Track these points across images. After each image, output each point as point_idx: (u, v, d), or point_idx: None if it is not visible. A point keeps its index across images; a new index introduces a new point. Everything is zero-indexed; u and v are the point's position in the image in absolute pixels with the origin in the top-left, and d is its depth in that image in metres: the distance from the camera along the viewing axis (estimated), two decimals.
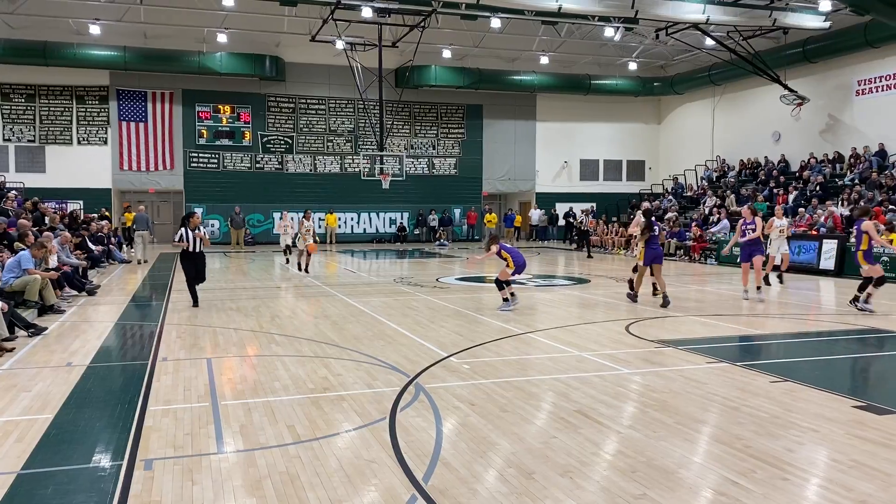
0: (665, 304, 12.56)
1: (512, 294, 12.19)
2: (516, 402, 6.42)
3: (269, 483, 4.55)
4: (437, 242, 33.49)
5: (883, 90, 25.78)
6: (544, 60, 32.79)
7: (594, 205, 35.13)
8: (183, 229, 12.59)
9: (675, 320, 11.33)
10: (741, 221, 13.91)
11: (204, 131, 32.32)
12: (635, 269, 13.80)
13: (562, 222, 35.98)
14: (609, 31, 27.91)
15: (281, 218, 23.80)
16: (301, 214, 20.95)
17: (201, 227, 13.52)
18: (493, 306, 13.05)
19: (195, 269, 12.79)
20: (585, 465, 4.87)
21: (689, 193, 32.51)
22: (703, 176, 33.48)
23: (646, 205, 21.84)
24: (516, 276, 12.62)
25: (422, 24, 26.90)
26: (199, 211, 32.02)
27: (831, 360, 8.77)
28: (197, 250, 12.73)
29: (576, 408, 6.26)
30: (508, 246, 12.57)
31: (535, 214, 36.19)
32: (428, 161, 35.33)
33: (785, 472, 4.76)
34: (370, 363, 8.03)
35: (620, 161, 38.05)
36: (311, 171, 33.81)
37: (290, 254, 22.41)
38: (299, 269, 19.08)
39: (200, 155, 32.38)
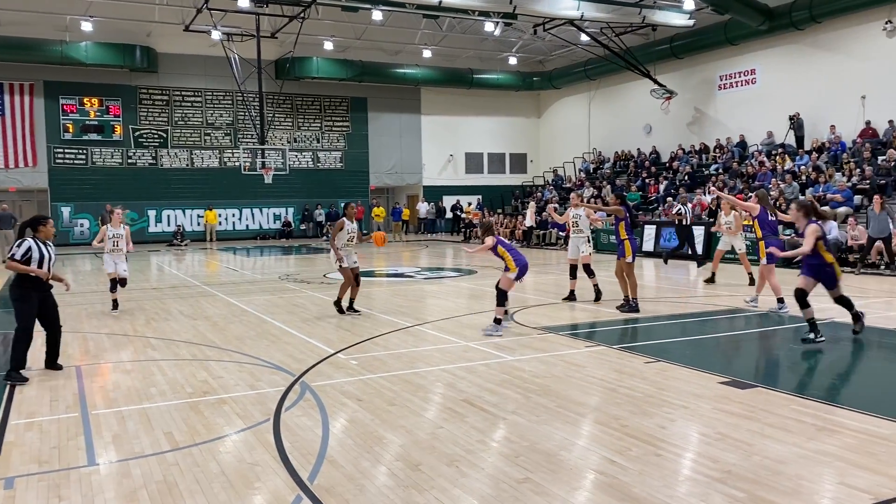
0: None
1: (506, 312, 9.64)
2: (404, 395, 6.43)
3: (146, 493, 4.34)
4: (325, 237, 33.05)
5: (742, 85, 27.58)
6: (427, 54, 32.95)
7: (480, 197, 35.75)
8: (30, 243, 7.33)
9: (558, 307, 11.70)
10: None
11: (70, 125, 30.37)
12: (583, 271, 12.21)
13: (449, 215, 36.37)
14: (489, 26, 28.36)
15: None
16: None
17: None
18: (381, 299, 13.02)
19: (46, 313, 7.50)
20: (471, 452, 4.94)
21: (568, 185, 33.61)
22: (580, 168, 34.71)
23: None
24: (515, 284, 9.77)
25: (301, 14, 26.37)
26: (66, 210, 30.19)
27: (700, 339, 9.30)
28: (50, 279, 7.52)
29: (462, 397, 6.34)
30: (507, 242, 9.89)
31: (423, 207, 36.40)
32: (312, 155, 34.77)
33: (658, 448, 5.01)
34: (253, 364, 7.81)
35: (504, 154, 38.86)
36: (187, 166, 32.50)
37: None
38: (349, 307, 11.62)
39: (66, 151, 30.44)
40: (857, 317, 8.62)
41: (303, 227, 34.46)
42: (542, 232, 27.43)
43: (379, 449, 5.08)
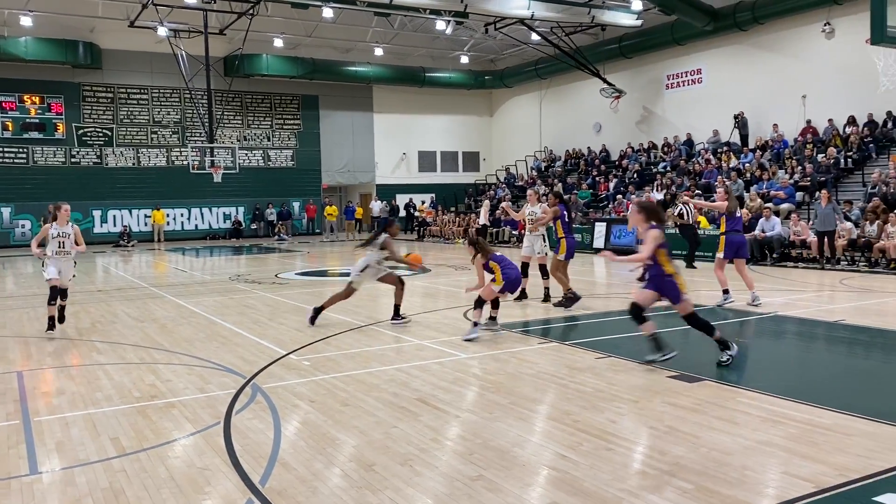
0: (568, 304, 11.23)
1: (492, 318, 9.17)
2: (357, 396, 6.39)
3: (91, 501, 4.23)
4: (276, 237, 32.65)
5: (688, 84, 28.17)
6: (379, 52, 32.81)
7: (433, 195, 35.79)
8: None
9: (512, 304, 11.76)
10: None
11: (9, 123, 29.39)
12: (545, 272, 11.87)
13: (403, 213, 36.30)
14: (441, 25, 28.39)
15: None
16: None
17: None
18: None
19: None
20: (425, 451, 4.94)
21: (520, 183, 33.86)
22: (532, 166, 35.00)
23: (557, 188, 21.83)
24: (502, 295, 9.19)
25: (250, 11, 26.00)
26: (6, 210, 29.26)
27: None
28: None
29: (416, 396, 6.34)
30: (499, 255, 9.11)
31: (376, 206, 36.23)
32: (263, 153, 34.33)
33: (609, 442, 5.08)
34: (203, 366, 7.67)
35: (457, 152, 38.97)
36: (133, 164, 31.76)
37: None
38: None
39: (6, 149, 29.45)
40: (724, 344, 7.26)
41: (254, 226, 33.99)
42: (495, 230, 27.57)
43: (332, 450, 5.04)
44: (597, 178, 29.09)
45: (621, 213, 23.56)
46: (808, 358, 8.43)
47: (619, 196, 25.40)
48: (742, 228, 11.51)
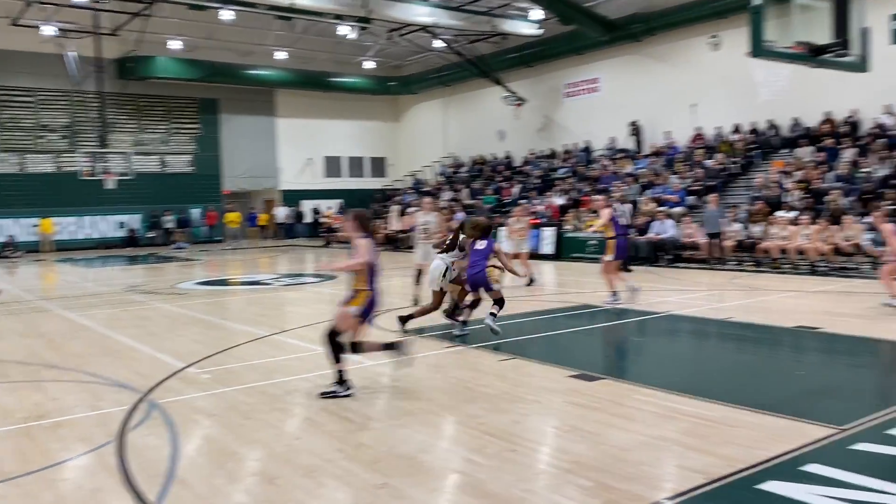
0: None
1: (464, 323, 9.33)
2: (260, 408, 6.25)
3: None
4: (175, 245, 31.50)
5: (586, 93, 29.09)
6: (281, 56, 32.24)
7: (341, 201, 35.47)
8: None
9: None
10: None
11: None
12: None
13: (309, 219, 35.81)
14: (344, 29, 28.21)
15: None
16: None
17: None
18: (237, 308, 12.62)
19: None
20: (329, 462, 4.88)
21: (427, 189, 34.02)
22: (439, 172, 35.26)
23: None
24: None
25: (144, 11, 25.05)
26: None
27: (552, 335, 9.70)
28: None
29: (321, 406, 6.25)
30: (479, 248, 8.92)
31: (281, 212, 35.58)
32: (160, 158, 33.07)
33: (513, 443, 5.17)
34: (95, 383, 7.31)
35: (363, 158, 38.76)
36: (18, 171, 29.91)
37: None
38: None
39: None
40: (392, 346, 6.87)
41: (150, 234, 32.66)
42: (405, 235, 27.54)
43: (233, 465, 4.90)
44: (501, 184, 29.59)
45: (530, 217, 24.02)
46: (699, 354, 8.85)
47: (523, 201, 25.92)
48: (626, 233, 12.10)
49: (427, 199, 12.95)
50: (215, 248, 29.97)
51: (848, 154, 19.35)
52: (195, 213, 33.89)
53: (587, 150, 28.22)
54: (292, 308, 12.59)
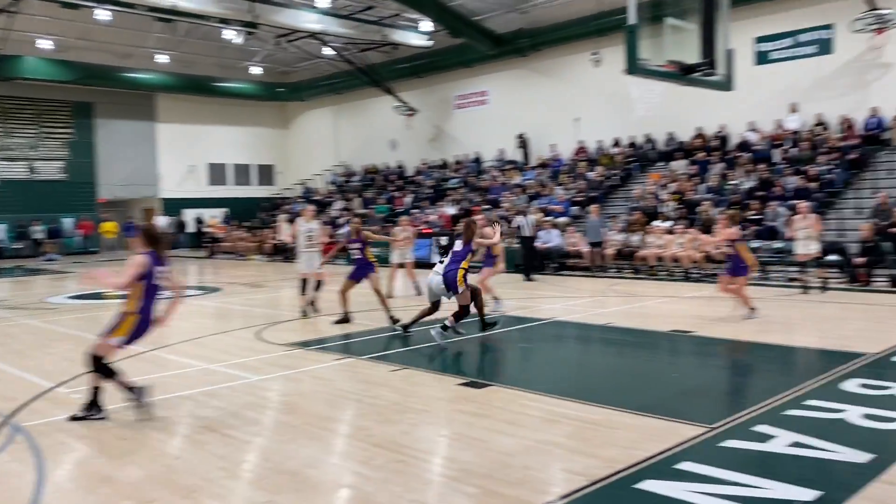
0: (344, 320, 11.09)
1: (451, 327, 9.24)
2: (136, 428, 5.93)
3: None
4: (45, 257, 29.53)
5: (475, 105, 29.61)
6: (162, 59, 30.97)
7: (226, 210, 34.41)
8: None
9: (306, 322, 11.61)
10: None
11: None
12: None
13: (192, 229, 34.49)
14: (230, 34, 27.46)
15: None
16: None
17: None
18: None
19: None
20: (211, 481, 4.70)
21: (318, 197, 33.59)
22: (329, 181, 34.89)
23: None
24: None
25: (10, 7, 23.45)
26: None
27: (443, 344, 9.73)
28: None
29: (203, 424, 6.02)
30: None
31: (162, 222, 34.06)
32: (28, 164, 30.98)
33: (402, 454, 5.16)
34: None
35: (250, 165, 37.79)
36: None
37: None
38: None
39: None
40: (136, 390, 6.17)
41: (17, 245, 30.46)
42: (293, 245, 27.04)
43: (106, 489, 4.63)
44: (393, 194, 29.61)
45: (416, 228, 24.13)
46: (582, 359, 9.16)
47: (415, 211, 26.04)
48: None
49: (309, 208, 12.90)
50: (90, 260, 28.32)
51: (717, 167, 20.62)
52: (68, 222, 31.93)
53: (478, 160, 28.71)
54: (173, 322, 12.04)
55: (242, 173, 37.49)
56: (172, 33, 29.02)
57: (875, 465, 4.63)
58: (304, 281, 12.32)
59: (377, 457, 5.08)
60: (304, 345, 9.43)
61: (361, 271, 11.21)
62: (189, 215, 34.75)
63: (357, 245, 11.22)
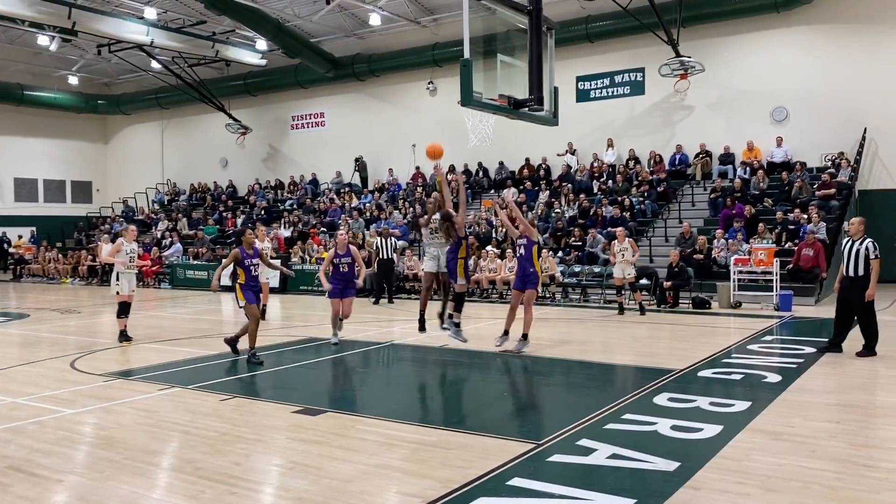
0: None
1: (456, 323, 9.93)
2: None
3: None
4: None
5: (312, 126, 29.39)
6: None
7: (34, 228, 31.52)
8: None
9: (127, 350, 10.89)
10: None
11: None
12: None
13: None
14: (44, 40, 25.42)
15: None
16: None
17: None
18: None
19: None
20: None
21: (141, 216, 31.67)
22: (154, 199, 33.04)
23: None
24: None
25: None
26: None
27: (277, 371, 9.50)
28: None
29: (7, 464, 5.45)
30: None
31: None
32: None
33: (233, 486, 4.96)
34: None
35: (64, 181, 34.92)
36: None
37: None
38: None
39: None
40: None
41: None
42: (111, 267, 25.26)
43: None
44: (224, 214, 28.55)
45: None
46: (418, 382, 9.28)
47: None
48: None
49: (131, 228, 12.25)
50: None
51: (543, 196, 21.82)
52: None
53: (314, 182, 28.40)
54: None
55: (56, 189, 34.54)
56: None
57: (682, 473, 5.07)
58: (126, 304, 11.59)
59: (206, 490, 4.85)
60: (126, 374, 8.83)
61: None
62: None
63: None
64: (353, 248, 11.17)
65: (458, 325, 9.83)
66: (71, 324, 14.28)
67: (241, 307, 9.81)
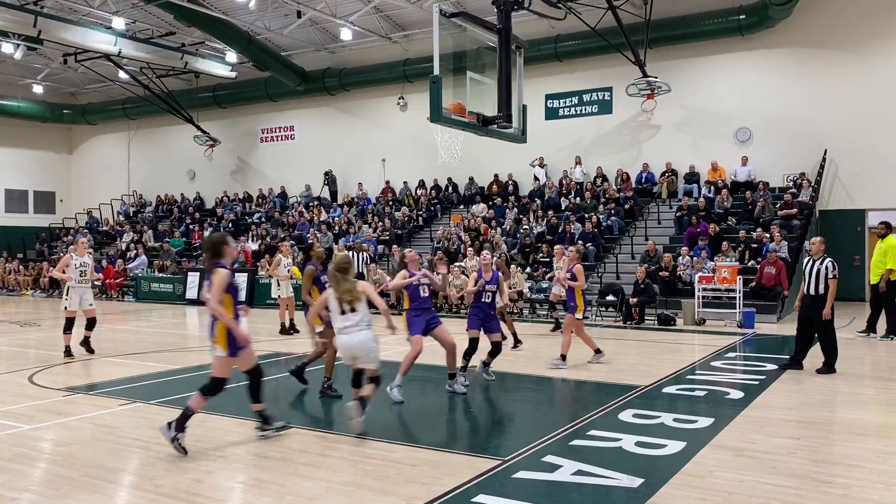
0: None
1: (484, 364, 9.73)
2: None
3: None
4: None
5: (282, 139, 29.26)
6: None
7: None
8: None
9: (87, 364, 10.69)
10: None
11: None
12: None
13: None
14: (8, 48, 25.01)
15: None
16: None
17: None
18: None
19: None
20: None
21: (105, 228, 31.17)
22: (120, 210, 32.54)
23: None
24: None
25: None
26: None
27: (240, 386, 9.36)
28: None
29: None
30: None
31: None
32: None
33: (191, 502, 4.88)
34: None
35: (27, 191, 34.24)
36: None
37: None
38: None
39: None
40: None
41: None
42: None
43: None
44: (191, 226, 28.22)
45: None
46: (384, 398, 9.21)
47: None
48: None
49: (81, 241, 12.08)
50: None
51: (512, 213, 21.94)
52: None
53: (283, 195, 28.23)
54: None
55: (17, 200, 33.85)
56: None
57: (646, 489, 5.11)
58: (72, 320, 11.35)
59: None
60: (86, 389, 8.66)
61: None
62: None
63: None
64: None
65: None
66: (30, 337, 13.98)
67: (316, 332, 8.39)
